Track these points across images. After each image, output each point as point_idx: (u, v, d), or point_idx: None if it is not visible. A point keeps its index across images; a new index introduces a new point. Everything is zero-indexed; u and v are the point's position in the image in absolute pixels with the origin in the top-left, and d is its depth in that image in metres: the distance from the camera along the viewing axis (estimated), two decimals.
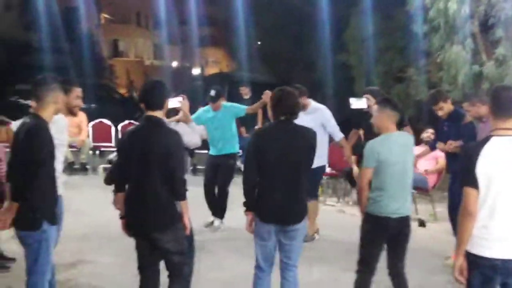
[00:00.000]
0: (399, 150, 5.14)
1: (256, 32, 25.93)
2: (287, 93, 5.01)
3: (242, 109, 8.91)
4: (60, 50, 27.16)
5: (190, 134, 5.67)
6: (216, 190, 8.72)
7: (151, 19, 49.51)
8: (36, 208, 4.54)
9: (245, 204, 5.08)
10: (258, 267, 5.09)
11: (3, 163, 6.48)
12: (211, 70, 45.79)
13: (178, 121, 5.92)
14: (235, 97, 12.58)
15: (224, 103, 8.75)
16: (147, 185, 4.67)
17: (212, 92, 8.58)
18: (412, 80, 14.60)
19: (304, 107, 7.62)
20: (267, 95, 7.60)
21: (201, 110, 8.82)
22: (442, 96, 7.40)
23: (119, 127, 13.97)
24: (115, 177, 4.99)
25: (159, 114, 4.79)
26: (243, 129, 12.82)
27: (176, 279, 4.89)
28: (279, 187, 4.88)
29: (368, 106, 7.59)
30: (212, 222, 8.72)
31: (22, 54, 26.25)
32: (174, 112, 5.93)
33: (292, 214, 4.94)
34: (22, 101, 18.04)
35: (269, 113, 5.16)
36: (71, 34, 29.66)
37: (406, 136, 5.37)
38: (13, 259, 6.71)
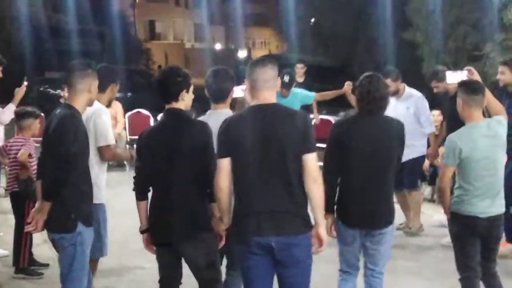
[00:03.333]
0: (486, 143, 4.94)
1: (309, 9, 25.79)
2: (376, 85, 4.78)
3: (311, 96, 8.93)
4: (92, 34, 27.45)
5: None
6: None
7: None
8: (70, 208, 4.53)
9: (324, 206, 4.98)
10: (342, 271, 5.02)
11: (34, 159, 6.55)
12: (259, 52, 45.78)
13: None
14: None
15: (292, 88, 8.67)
16: (174, 188, 4.52)
17: (286, 78, 8.30)
18: (489, 58, 14.30)
19: (397, 93, 7.65)
20: (348, 86, 7.56)
21: None
22: None
23: (159, 117, 13.98)
24: (136, 183, 4.82)
25: (179, 105, 4.59)
26: None
27: None
28: (366, 187, 4.76)
29: None
30: None
31: (51, 38, 26.59)
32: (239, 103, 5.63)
33: (381, 217, 4.83)
34: (51, 91, 18.32)
35: (354, 103, 5.05)
36: (103, 16, 29.96)
37: (495, 125, 5.08)
38: (46, 265, 6.79)
